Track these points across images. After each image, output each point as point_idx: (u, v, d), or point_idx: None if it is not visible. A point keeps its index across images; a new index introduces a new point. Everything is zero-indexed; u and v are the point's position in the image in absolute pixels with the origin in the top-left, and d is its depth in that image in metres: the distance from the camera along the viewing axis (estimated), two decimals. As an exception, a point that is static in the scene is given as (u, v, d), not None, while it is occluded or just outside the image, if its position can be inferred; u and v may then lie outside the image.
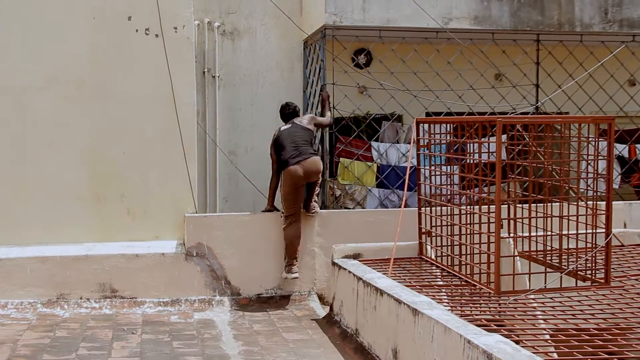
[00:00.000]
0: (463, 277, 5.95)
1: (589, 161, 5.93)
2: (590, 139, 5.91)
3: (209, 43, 9.01)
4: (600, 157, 5.65)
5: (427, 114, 9.04)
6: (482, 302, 5.29)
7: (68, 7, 7.52)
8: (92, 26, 7.58)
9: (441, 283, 5.90)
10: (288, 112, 7.71)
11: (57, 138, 7.55)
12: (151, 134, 7.73)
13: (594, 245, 5.53)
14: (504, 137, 6.53)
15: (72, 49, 7.54)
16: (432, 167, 6.62)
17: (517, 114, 8.65)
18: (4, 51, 7.45)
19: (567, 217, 5.67)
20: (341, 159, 8.62)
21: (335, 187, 8.55)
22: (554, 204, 5.85)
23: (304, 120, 7.60)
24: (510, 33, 8.59)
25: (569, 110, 9.29)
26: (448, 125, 6.69)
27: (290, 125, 7.53)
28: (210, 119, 9.04)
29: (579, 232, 5.65)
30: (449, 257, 6.28)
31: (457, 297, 5.42)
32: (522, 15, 8.51)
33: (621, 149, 9.25)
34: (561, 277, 5.49)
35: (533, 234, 5.97)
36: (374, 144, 8.81)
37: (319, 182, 7.60)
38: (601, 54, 8.90)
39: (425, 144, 6.80)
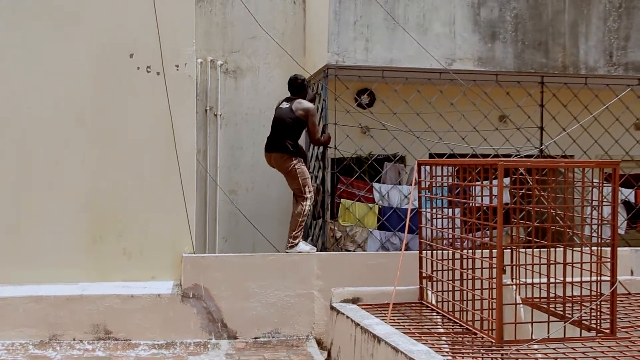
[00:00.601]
0: (464, 325, 5.78)
1: (594, 206, 5.80)
2: (594, 184, 5.78)
3: (211, 81, 8.98)
4: (605, 203, 5.52)
5: (430, 156, 8.95)
6: (483, 352, 5.11)
7: (70, 44, 7.51)
8: (94, 63, 7.56)
9: (441, 330, 5.73)
10: (294, 87, 7.76)
11: (55, 177, 7.48)
12: (150, 173, 7.65)
13: (599, 294, 5.37)
14: (507, 181, 6.42)
15: (73, 87, 7.52)
16: (434, 210, 6.49)
17: (521, 157, 8.55)
18: (4, 89, 7.42)
19: (571, 264, 5.52)
20: (342, 200, 8.50)
21: (336, 228, 8.42)
22: (557, 249, 5.71)
23: (299, 108, 7.57)
24: (514, 75, 8.52)
25: (573, 154, 9.18)
26: (450, 167, 6.58)
27: (287, 105, 7.65)
28: (211, 158, 8.97)
29: (584, 279, 5.49)
30: (450, 303, 6.11)
31: (457, 346, 5.25)
32: (526, 57, 8.45)
33: (627, 193, 9.11)
34: (565, 326, 5.32)
35: (536, 280, 5.81)
36: (375, 185, 8.70)
37: (302, 203, 7.50)
38: (606, 97, 8.82)
39: (427, 186, 6.69)
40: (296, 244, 7.55)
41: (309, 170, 7.82)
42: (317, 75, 8.61)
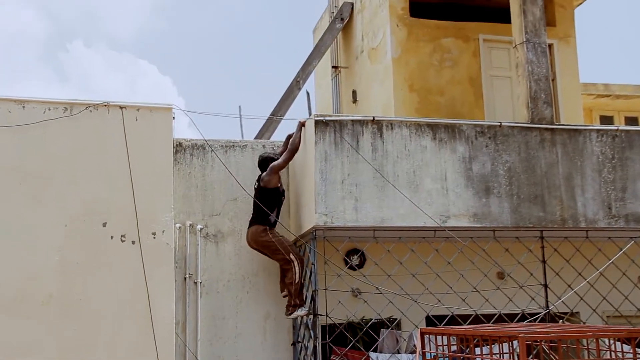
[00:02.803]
0: None
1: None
2: (620, 353, 5.17)
3: (190, 247, 8.40)
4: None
5: (428, 319, 8.32)
6: None
7: (39, 214, 6.97)
8: (64, 234, 6.99)
9: None
10: (261, 166, 8.01)
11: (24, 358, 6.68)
12: (124, 350, 6.92)
13: None
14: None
15: (40, 260, 6.90)
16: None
17: (528, 319, 7.95)
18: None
19: None
20: (337, 373, 7.74)
21: (332, 406, 7.60)
22: None
23: (264, 177, 7.86)
24: (512, 230, 8.10)
25: (579, 310, 8.61)
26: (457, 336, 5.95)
27: (256, 184, 7.96)
28: (190, 330, 8.21)
29: None
30: None
31: None
32: (523, 211, 8.06)
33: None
34: None
35: None
36: (372, 354, 7.97)
37: (293, 269, 7.66)
38: (609, 250, 8.40)
39: (432, 358, 6.03)
40: (296, 310, 7.72)
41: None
42: (304, 237, 8.11)
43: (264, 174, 7.87)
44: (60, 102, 7.19)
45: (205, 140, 8.56)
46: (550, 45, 9.92)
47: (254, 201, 7.85)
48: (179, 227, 8.34)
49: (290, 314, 7.77)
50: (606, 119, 14.18)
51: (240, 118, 9.07)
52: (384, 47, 10.04)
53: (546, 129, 8.31)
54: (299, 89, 10.94)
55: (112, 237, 7.06)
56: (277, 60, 28.83)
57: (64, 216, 7.02)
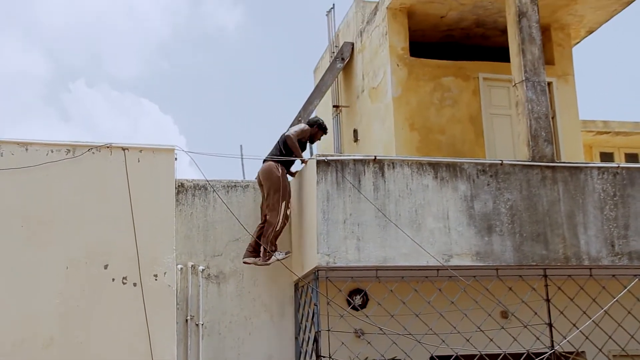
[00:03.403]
0: None
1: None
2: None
3: (192, 288, 8.34)
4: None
5: (432, 359, 8.22)
6: None
7: (40, 257, 6.96)
8: (65, 276, 6.97)
9: None
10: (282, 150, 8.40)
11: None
12: (125, 395, 6.83)
13: None
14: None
15: (41, 303, 6.88)
16: None
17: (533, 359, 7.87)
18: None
19: None
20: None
21: None
22: None
23: (289, 132, 8.33)
24: (515, 269, 8.05)
25: (585, 350, 8.51)
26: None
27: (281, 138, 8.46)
28: (192, 372, 8.13)
29: None
30: None
31: None
32: (525, 249, 8.03)
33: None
34: None
35: None
36: (377, 398, 7.87)
37: (278, 215, 7.98)
38: (614, 287, 8.33)
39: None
40: (273, 254, 8.00)
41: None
42: (306, 277, 8.06)
43: (294, 128, 8.53)
44: (63, 144, 7.22)
45: (207, 181, 8.57)
46: (549, 84, 10.00)
47: (276, 144, 8.43)
48: (181, 268, 8.30)
49: (267, 259, 8.02)
50: (606, 156, 14.20)
51: (242, 158, 9.10)
52: (384, 86, 10.10)
53: (547, 166, 8.32)
54: (300, 128, 10.96)
55: (113, 280, 7.03)
56: (279, 99, 29.02)
57: (65, 259, 7.00)
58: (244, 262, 8.21)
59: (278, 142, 8.46)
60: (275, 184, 8.10)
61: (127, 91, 31.02)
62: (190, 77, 30.37)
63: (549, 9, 9.81)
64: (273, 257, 8.03)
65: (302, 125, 8.66)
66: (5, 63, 28.32)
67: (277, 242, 8.15)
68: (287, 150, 8.29)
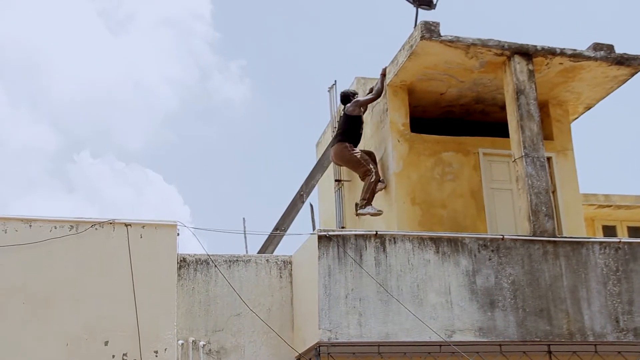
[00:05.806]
0: None
1: None
2: None
3: (193, 364, 8.26)
4: None
5: None
6: None
7: (40, 334, 6.96)
8: (65, 353, 6.94)
9: None
10: (343, 99, 9.75)
11: None
12: None
13: None
14: None
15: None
16: None
17: None
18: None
19: None
20: None
21: None
22: None
23: (349, 107, 9.47)
24: (518, 344, 7.98)
25: None
26: None
27: (342, 112, 9.62)
28: None
29: None
30: None
31: None
32: (529, 325, 7.97)
33: None
34: None
35: None
36: None
37: (370, 178, 9.16)
38: (619, 364, 8.23)
39: None
40: (365, 206, 9.00)
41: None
42: (307, 353, 7.99)
43: (349, 104, 9.50)
44: (66, 220, 7.29)
45: (209, 256, 8.59)
46: (549, 159, 10.08)
47: (339, 123, 9.68)
48: (182, 344, 8.21)
49: (361, 209, 9.08)
50: (609, 229, 14.20)
51: (245, 233, 9.14)
52: (385, 161, 10.21)
53: (549, 241, 8.34)
54: (303, 202, 11.06)
55: (113, 356, 7.00)
56: (282, 172, 29.23)
57: (66, 335, 6.98)
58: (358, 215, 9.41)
59: (338, 121, 9.68)
60: (353, 163, 9.32)
61: (133, 162, 31.28)
62: (196, 149, 30.67)
63: (547, 86, 9.99)
64: (365, 209, 9.02)
65: (353, 101, 9.61)
66: (13, 137, 28.70)
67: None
68: (351, 121, 9.39)
